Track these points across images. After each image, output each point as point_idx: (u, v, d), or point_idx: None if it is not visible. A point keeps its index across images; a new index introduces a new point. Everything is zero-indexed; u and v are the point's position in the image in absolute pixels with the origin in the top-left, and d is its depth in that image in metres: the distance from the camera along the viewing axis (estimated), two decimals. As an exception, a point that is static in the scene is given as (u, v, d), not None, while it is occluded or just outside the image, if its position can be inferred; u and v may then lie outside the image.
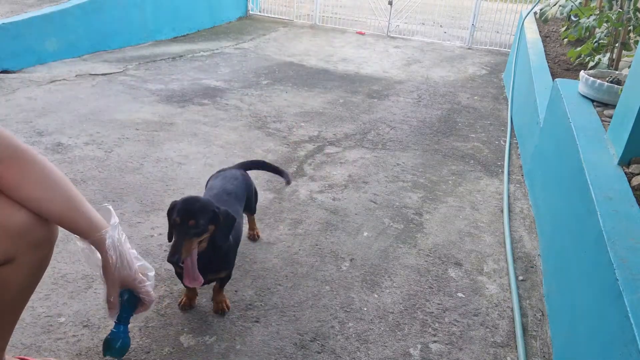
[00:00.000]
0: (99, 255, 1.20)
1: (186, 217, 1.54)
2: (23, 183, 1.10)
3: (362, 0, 8.82)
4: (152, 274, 1.31)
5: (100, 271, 1.22)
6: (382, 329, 1.89)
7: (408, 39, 7.97)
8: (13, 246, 1.11)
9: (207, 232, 1.60)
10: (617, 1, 3.81)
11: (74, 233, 1.18)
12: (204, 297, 1.95)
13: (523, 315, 2.00)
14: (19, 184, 1.10)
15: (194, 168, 3.03)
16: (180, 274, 1.72)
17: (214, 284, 1.86)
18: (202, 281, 1.62)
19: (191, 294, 1.89)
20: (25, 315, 1.77)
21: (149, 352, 1.68)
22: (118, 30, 5.83)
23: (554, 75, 3.85)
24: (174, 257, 1.51)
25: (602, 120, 2.44)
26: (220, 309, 1.88)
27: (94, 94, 4.19)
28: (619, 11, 3.47)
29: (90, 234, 1.17)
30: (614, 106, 2.31)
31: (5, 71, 4.52)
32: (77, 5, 5.25)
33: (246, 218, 2.30)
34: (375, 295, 2.06)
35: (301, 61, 5.99)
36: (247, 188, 2.08)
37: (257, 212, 2.33)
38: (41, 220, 1.15)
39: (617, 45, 3.46)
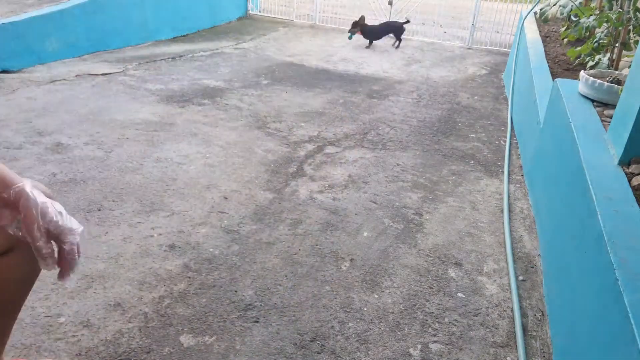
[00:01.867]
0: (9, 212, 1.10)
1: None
2: None
3: (362, 0, 8.81)
4: (79, 229, 1.17)
5: (19, 228, 1.10)
6: (382, 329, 1.89)
7: (408, 38, 7.97)
8: (12, 236, 1.09)
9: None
10: (617, 1, 3.81)
11: None
12: (204, 297, 1.96)
13: (523, 315, 2.00)
14: None
15: (193, 168, 3.03)
16: None
17: None
18: None
19: None
20: (25, 315, 1.77)
21: (149, 352, 1.68)
22: (118, 30, 5.82)
23: (554, 75, 3.85)
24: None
25: (602, 120, 2.44)
26: None
27: (94, 94, 4.19)
28: (619, 11, 3.47)
29: (8, 188, 1.07)
30: (614, 106, 2.31)
31: (5, 71, 4.52)
32: (77, 5, 5.25)
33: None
34: (375, 295, 2.06)
35: (301, 61, 5.99)
36: None
37: (257, 211, 2.33)
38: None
39: (617, 45, 3.46)
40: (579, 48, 3.79)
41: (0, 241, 1.08)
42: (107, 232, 2.32)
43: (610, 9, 3.82)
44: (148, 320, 1.82)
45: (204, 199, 2.68)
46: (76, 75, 4.63)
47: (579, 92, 2.77)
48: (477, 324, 1.95)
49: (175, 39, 6.65)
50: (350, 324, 1.89)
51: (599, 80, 2.63)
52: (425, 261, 2.32)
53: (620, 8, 3.57)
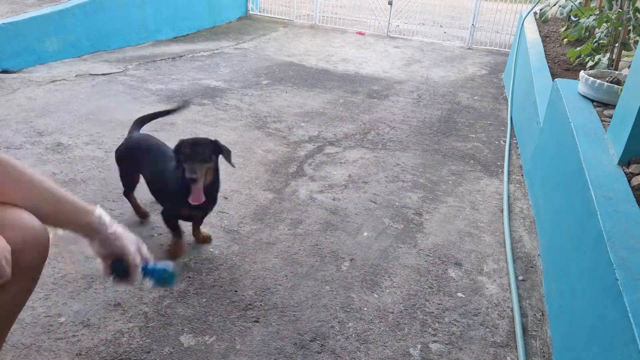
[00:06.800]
0: (82, 239, 1.24)
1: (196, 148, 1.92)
2: (8, 187, 1.12)
3: (362, 0, 8.82)
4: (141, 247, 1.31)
5: (93, 248, 1.25)
6: (382, 329, 1.89)
7: (408, 39, 7.97)
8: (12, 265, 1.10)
9: (213, 161, 1.98)
10: (617, 1, 3.82)
11: (68, 223, 1.21)
12: (204, 296, 1.96)
13: (523, 315, 2.00)
14: (4, 189, 1.12)
15: (194, 168, 3.03)
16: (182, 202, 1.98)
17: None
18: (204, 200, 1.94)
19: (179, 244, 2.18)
20: (25, 315, 1.77)
21: (149, 352, 1.68)
22: (118, 30, 5.83)
23: (554, 75, 3.85)
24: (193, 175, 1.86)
25: (602, 120, 2.44)
26: (205, 239, 2.28)
27: (94, 94, 4.19)
28: (619, 11, 3.47)
29: (86, 217, 1.21)
30: (614, 106, 2.31)
31: (5, 71, 4.52)
32: (77, 5, 5.25)
33: None
34: (375, 295, 2.06)
35: (301, 61, 6.00)
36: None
37: (257, 211, 2.34)
38: (30, 244, 1.13)
39: (617, 45, 3.46)
40: (579, 48, 3.79)
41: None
42: (107, 232, 2.32)
43: (610, 9, 3.82)
44: (148, 320, 1.82)
45: (204, 199, 2.68)
46: (76, 75, 4.63)
47: (578, 92, 2.77)
48: (477, 323, 1.95)
49: (175, 39, 6.65)
50: (350, 324, 1.89)
51: (598, 80, 2.64)
52: (425, 261, 2.32)
53: (620, 8, 3.57)
